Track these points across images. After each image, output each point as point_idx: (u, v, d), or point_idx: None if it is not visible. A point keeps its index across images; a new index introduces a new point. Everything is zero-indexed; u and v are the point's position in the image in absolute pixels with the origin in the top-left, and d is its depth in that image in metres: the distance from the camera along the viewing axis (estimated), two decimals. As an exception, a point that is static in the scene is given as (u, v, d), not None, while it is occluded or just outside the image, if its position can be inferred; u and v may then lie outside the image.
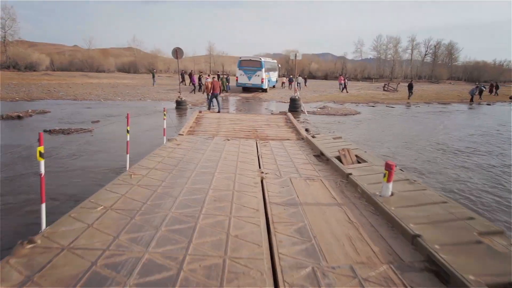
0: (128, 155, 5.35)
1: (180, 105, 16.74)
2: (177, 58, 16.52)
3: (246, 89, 28.15)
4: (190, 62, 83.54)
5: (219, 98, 14.23)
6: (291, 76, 40.54)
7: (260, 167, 5.63)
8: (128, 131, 5.50)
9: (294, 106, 16.50)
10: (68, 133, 9.85)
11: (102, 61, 72.36)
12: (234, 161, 5.96)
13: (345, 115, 15.90)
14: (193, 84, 26.92)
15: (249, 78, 27.32)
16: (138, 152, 7.20)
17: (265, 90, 28.69)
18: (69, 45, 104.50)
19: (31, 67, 59.87)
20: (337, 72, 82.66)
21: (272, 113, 14.38)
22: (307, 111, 15.91)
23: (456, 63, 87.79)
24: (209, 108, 14.99)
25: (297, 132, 9.33)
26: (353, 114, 16.17)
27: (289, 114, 12.32)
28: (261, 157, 6.41)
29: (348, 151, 6.29)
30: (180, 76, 39.76)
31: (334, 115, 15.73)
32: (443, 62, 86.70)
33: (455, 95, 32.80)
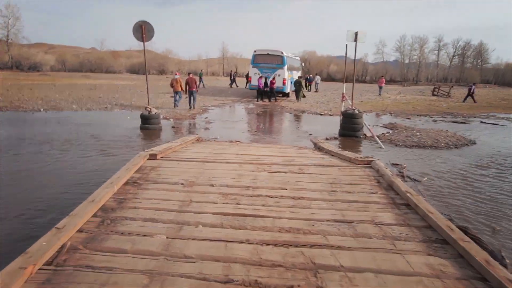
0: None
1: (147, 124, 9.02)
2: (142, 40, 8.88)
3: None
4: (203, 64, 76.96)
5: (195, 95, 13.70)
6: (310, 76, 32.48)
7: None
8: None
9: (350, 128, 8.62)
10: None
11: (112, 63, 66.85)
12: None
13: (456, 147, 7.80)
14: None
15: (267, 78, 19.32)
16: None
17: (287, 95, 20.74)
18: (87, 47, 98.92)
19: (34, 68, 53.87)
20: (356, 74, 74.20)
21: (316, 145, 5.73)
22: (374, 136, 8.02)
23: (486, 65, 76.94)
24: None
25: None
26: (467, 145, 8.08)
27: (379, 163, 4.33)
28: None
29: None
30: (231, 77, 30.76)
31: (436, 147, 7.66)
32: (472, 64, 76.09)
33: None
